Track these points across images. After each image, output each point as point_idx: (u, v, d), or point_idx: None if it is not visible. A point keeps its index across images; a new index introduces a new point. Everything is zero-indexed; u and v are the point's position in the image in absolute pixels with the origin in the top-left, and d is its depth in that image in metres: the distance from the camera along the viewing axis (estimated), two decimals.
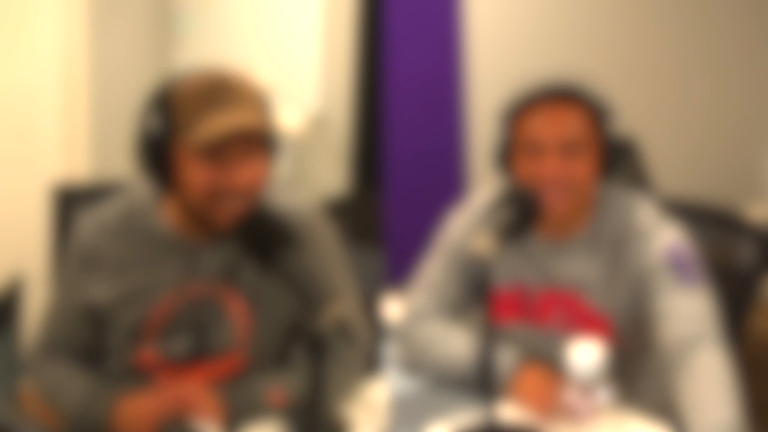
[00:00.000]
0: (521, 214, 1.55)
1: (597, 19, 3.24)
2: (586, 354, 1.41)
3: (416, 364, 1.73)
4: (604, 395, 1.43)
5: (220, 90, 1.43)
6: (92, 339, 1.57)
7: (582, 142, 1.59)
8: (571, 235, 1.67)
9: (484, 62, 3.05)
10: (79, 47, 2.99)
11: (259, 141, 1.47)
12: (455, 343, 1.68)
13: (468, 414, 1.47)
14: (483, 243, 1.44)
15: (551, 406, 1.51)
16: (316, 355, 1.27)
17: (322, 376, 1.28)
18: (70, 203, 1.92)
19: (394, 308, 1.90)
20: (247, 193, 1.46)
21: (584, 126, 1.59)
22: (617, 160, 1.65)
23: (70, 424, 1.49)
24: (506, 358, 1.59)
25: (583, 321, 1.65)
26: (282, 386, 1.47)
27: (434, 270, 1.79)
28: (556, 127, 1.59)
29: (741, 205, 2.93)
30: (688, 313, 1.55)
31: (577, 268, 1.65)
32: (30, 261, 2.63)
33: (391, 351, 1.76)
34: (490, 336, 1.40)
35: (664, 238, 1.61)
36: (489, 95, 2.99)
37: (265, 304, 1.54)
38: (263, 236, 1.39)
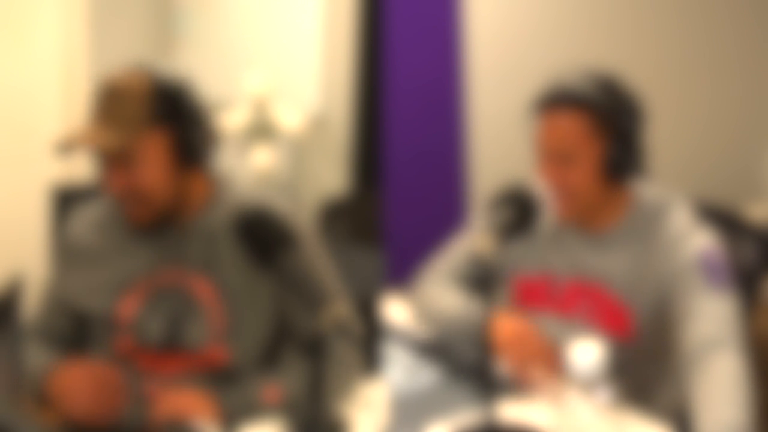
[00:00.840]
0: (519, 213, 1.57)
1: (598, 20, 3.24)
2: (586, 354, 1.41)
3: (420, 315, 1.84)
4: (604, 395, 1.42)
5: (100, 101, 1.50)
6: (75, 327, 1.62)
7: (577, 149, 1.61)
8: (604, 228, 1.70)
9: (485, 62, 3.05)
10: (79, 47, 2.99)
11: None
12: (453, 300, 1.76)
13: (468, 414, 1.47)
14: (482, 243, 1.45)
15: (529, 352, 1.58)
16: (316, 355, 1.27)
17: (322, 376, 1.28)
18: (69, 203, 1.92)
19: (394, 308, 1.90)
20: (129, 199, 1.52)
21: (582, 133, 1.61)
22: (637, 157, 1.67)
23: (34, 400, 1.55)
24: (481, 311, 1.59)
25: (607, 313, 1.67)
26: (276, 385, 1.48)
27: (465, 237, 1.84)
28: (551, 135, 1.63)
29: (741, 205, 2.93)
30: (713, 316, 1.56)
31: (607, 262, 1.68)
32: (29, 261, 2.63)
33: (390, 351, 1.76)
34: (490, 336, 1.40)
35: (698, 241, 1.63)
36: (489, 95, 2.99)
37: (242, 298, 1.55)
38: (260, 237, 1.39)
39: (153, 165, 1.51)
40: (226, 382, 1.51)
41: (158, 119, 1.50)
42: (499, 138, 3.00)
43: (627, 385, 1.46)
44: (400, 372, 1.72)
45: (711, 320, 1.56)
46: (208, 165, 1.60)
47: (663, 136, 3.08)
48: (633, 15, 3.30)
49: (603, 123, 1.61)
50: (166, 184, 1.53)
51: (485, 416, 1.39)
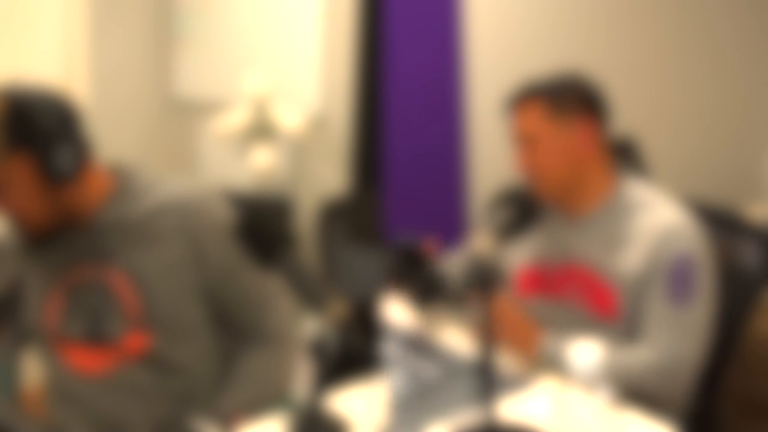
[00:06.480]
0: (519, 213, 1.60)
1: (598, 20, 3.24)
2: (586, 354, 1.41)
3: None
4: (604, 395, 1.42)
5: None
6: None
7: (538, 132, 1.74)
8: (585, 212, 1.77)
9: (484, 62, 3.05)
10: (79, 48, 2.99)
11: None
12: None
13: (468, 414, 1.47)
14: (483, 243, 1.45)
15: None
16: (316, 355, 1.28)
17: (320, 378, 1.28)
18: None
19: (394, 308, 1.89)
20: (10, 221, 1.53)
21: (540, 117, 1.73)
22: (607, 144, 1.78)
23: None
24: None
25: (594, 294, 1.73)
26: (240, 406, 1.54)
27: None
28: (517, 125, 1.77)
29: (741, 205, 2.93)
30: (668, 336, 1.65)
31: (587, 243, 1.76)
32: None
33: (390, 351, 1.76)
34: (489, 337, 1.40)
35: (676, 247, 1.67)
36: (489, 95, 2.99)
37: (158, 282, 1.56)
38: (260, 237, 1.39)
39: (21, 191, 1.49)
40: (171, 375, 1.56)
41: (14, 145, 1.46)
42: (499, 138, 2.99)
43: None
44: (400, 372, 1.72)
45: (665, 341, 1.65)
46: (95, 165, 1.58)
47: (664, 137, 3.09)
48: (633, 15, 3.30)
49: (559, 109, 1.73)
50: (41, 205, 1.51)
51: (485, 416, 1.39)
